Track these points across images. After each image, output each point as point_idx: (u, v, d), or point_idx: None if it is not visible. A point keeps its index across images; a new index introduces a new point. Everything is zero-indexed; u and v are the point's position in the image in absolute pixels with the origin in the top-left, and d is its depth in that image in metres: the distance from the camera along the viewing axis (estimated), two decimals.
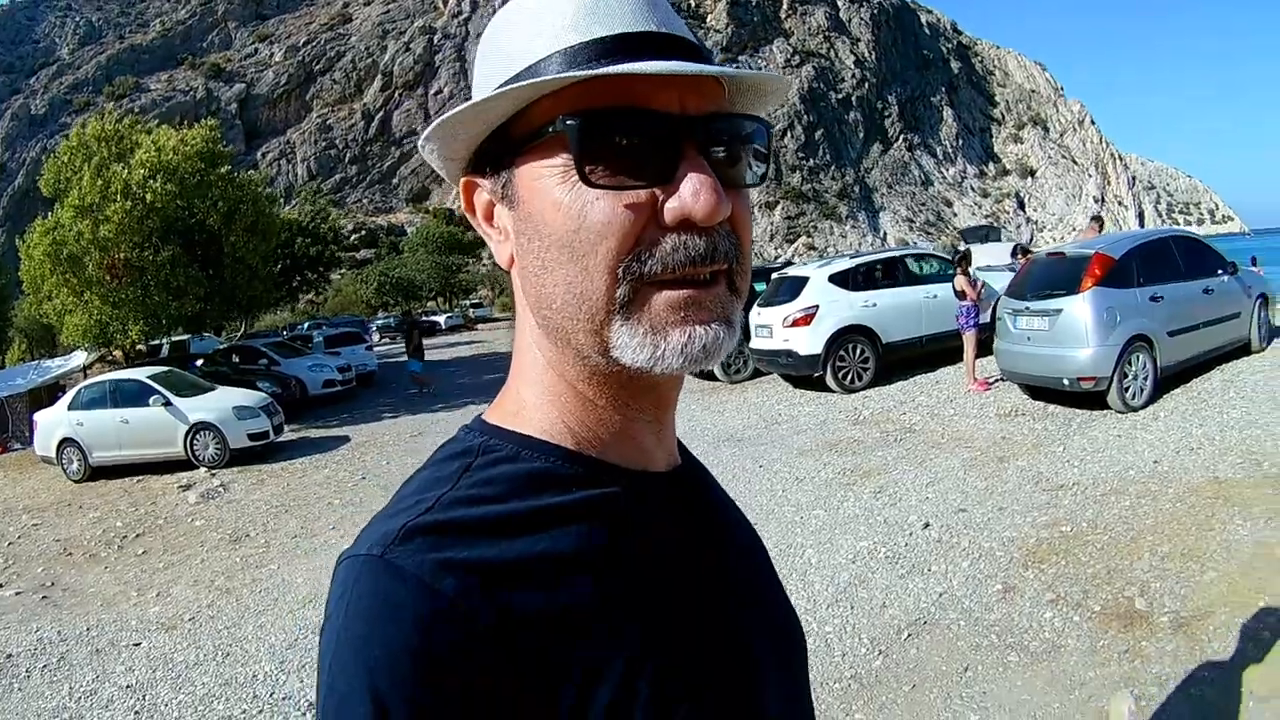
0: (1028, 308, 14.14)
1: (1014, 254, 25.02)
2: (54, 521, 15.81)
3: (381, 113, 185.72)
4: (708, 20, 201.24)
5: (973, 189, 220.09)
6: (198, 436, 19.22)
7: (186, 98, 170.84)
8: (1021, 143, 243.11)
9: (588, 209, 0.97)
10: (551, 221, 1.00)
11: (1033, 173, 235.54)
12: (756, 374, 21.08)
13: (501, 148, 1.05)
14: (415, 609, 0.89)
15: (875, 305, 18.18)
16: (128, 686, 8.08)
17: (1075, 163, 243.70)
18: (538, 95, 0.98)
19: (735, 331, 1.03)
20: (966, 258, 17.77)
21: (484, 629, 0.89)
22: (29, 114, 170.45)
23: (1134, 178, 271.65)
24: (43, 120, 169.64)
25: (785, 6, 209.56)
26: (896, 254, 20.47)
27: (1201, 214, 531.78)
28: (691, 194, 0.94)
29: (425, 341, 31.45)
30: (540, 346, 1.12)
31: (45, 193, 26.26)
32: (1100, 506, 9.41)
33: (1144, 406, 13.11)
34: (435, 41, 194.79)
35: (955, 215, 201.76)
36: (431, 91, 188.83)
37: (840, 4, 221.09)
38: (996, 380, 15.99)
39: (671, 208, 0.95)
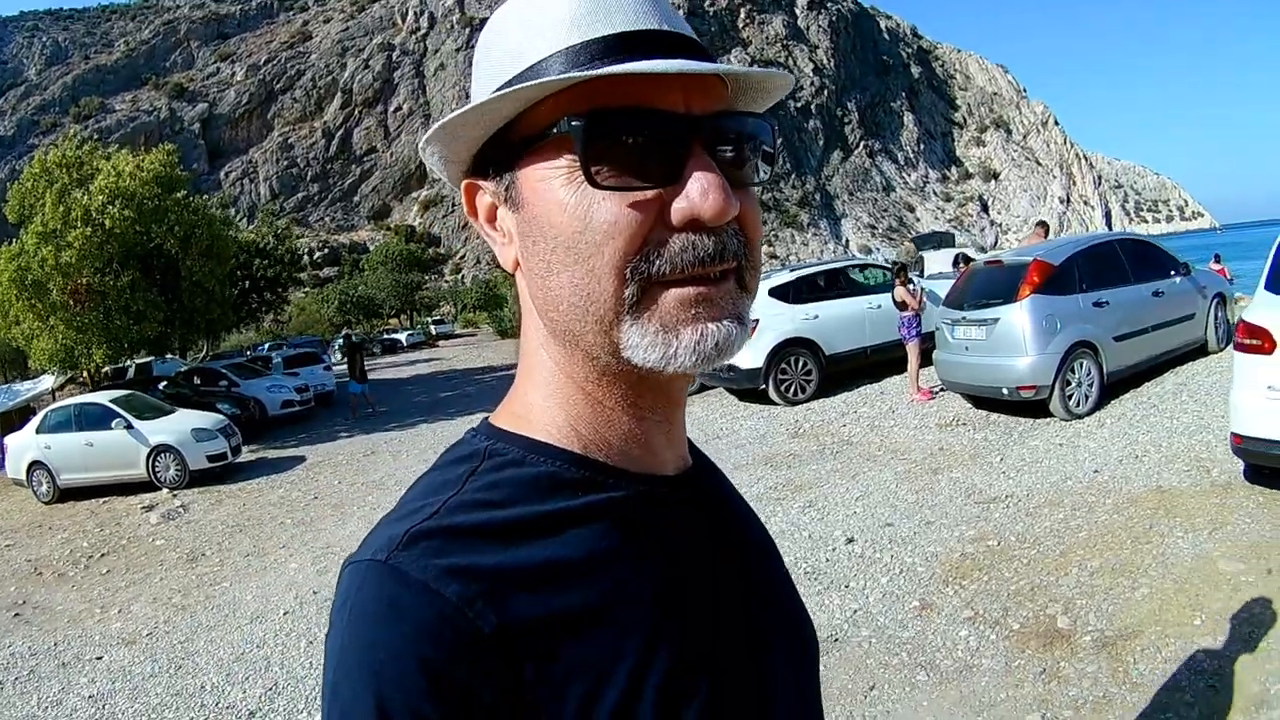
0: (964, 317, 14.10)
1: (955, 263, 24.78)
2: (25, 542, 16.13)
3: (342, 130, 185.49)
4: None
5: (935, 193, 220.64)
6: (159, 458, 19.53)
7: (151, 118, 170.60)
8: (984, 145, 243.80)
9: (593, 210, 0.97)
10: (557, 223, 1.00)
11: (996, 175, 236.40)
12: (703, 388, 20.92)
13: (504, 149, 1.06)
14: (420, 615, 0.90)
15: (817, 317, 18.14)
16: (89, 697, 8.55)
17: (1039, 164, 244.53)
18: (541, 96, 0.99)
19: (746, 328, 1.04)
20: (905, 269, 17.73)
21: (488, 635, 0.91)
22: None
23: (1100, 177, 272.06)
24: (11, 142, 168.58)
25: (743, 15, 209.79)
26: (838, 265, 20.55)
27: (1170, 211, 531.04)
28: (700, 194, 0.95)
29: (388, 359, 31.57)
30: (547, 349, 1.12)
31: (10, 219, 26.46)
32: (1032, 519, 9.30)
33: (1089, 414, 13.07)
34: (394, 59, 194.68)
35: (918, 220, 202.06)
36: (391, 108, 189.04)
37: (798, 12, 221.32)
38: (941, 390, 15.92)
39: (679, 208, 0.96)
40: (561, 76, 0.93)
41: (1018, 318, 12.95)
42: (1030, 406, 13.36)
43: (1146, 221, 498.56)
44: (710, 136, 0.98)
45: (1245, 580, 6.99)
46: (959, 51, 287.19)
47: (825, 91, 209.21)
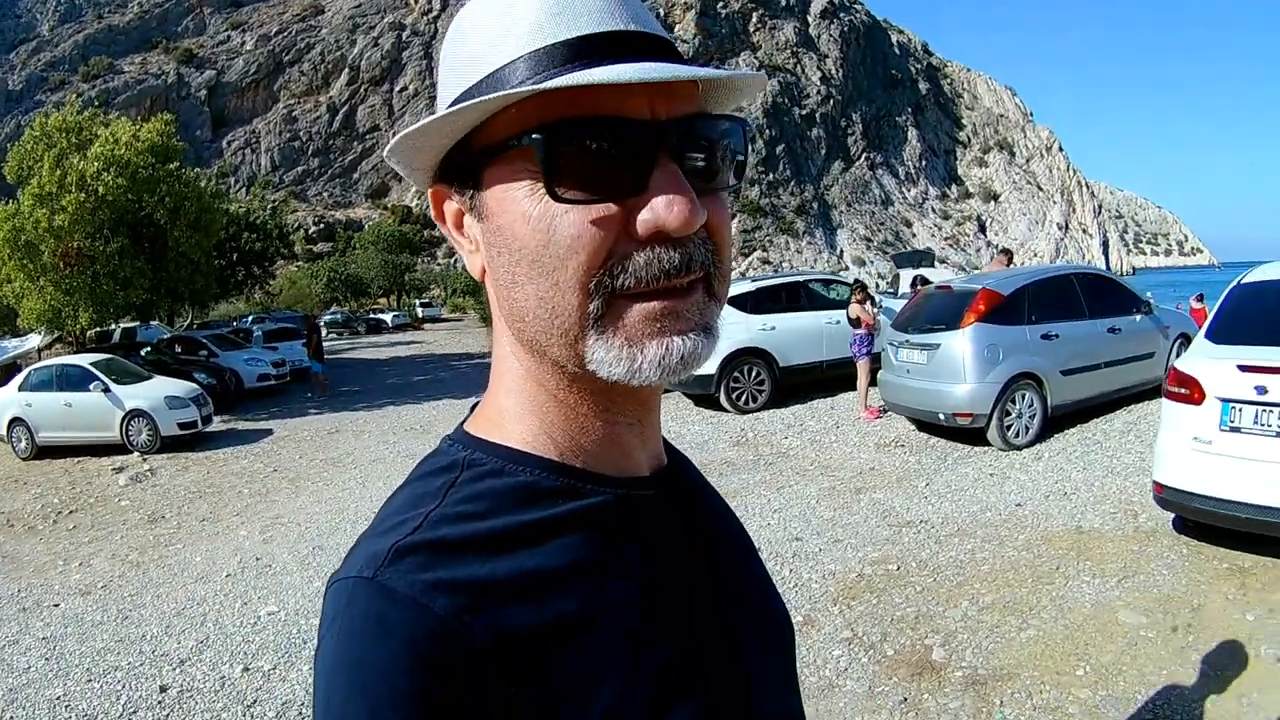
0: (908, 340, 14.22)
1: (913, 285, 24.69)
2: (1, 495, 16.62)
3: (346, 107, 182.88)
4: (676, 30, 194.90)
5: (934, 210, 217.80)
6: (132, 423, 20.07)
7: (158, 82, 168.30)
8: (986, 166, 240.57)
9: (557, 223, 0.96)
10: (521, 235, 0.99)
11: (996, 197, 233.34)
12: (664, 391, 20.32)
13: (468, 158, 1.04)
14: (408, 630, 0.90)
15: (773, 329, 18.33)
16: (43, 639, 9.09)
17: (1040, 189, 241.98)
18: (500, 108, 0.97)
19: (714, 338, 1.03)
20: (864, 286, 17.78)
21: (478, 647, 0.91)
22: (5, 90, 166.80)
23: (1100, 206, 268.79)
24: (19, 97, 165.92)
25: (754, 20, 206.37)
26: (800, 279, 20.53)
27: (1170, 245, 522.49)
28: (665, 206, 0.93)
29: (370, 339, 31.38)
30: (518, 356, 1.11)
31: (9, 179, 26.74)
32: (939, 547, 9.29)
33: (1028, 445, 13.09)
34: (403, 38, 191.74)
35: (914, 236, 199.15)
36: (397, 88, 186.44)
37: (811, 20, 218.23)
38: (889, 409, 15.86)
39: (644, 220, 0.94)
40: (510, 91, 0.93)
41: (959, 345, 13.07)
42: (970, 433, 13.43)
43: (1145, 253, 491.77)
44: (677, 143, 0.98)
45: (1145, 635, 6.91)
46: (968, 71, 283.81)
47: (831, 101, 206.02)
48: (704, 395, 18.66)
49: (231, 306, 69.48)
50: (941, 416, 13.42)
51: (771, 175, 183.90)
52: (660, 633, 1.06)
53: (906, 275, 28.16)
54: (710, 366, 17.29)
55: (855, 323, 16.59)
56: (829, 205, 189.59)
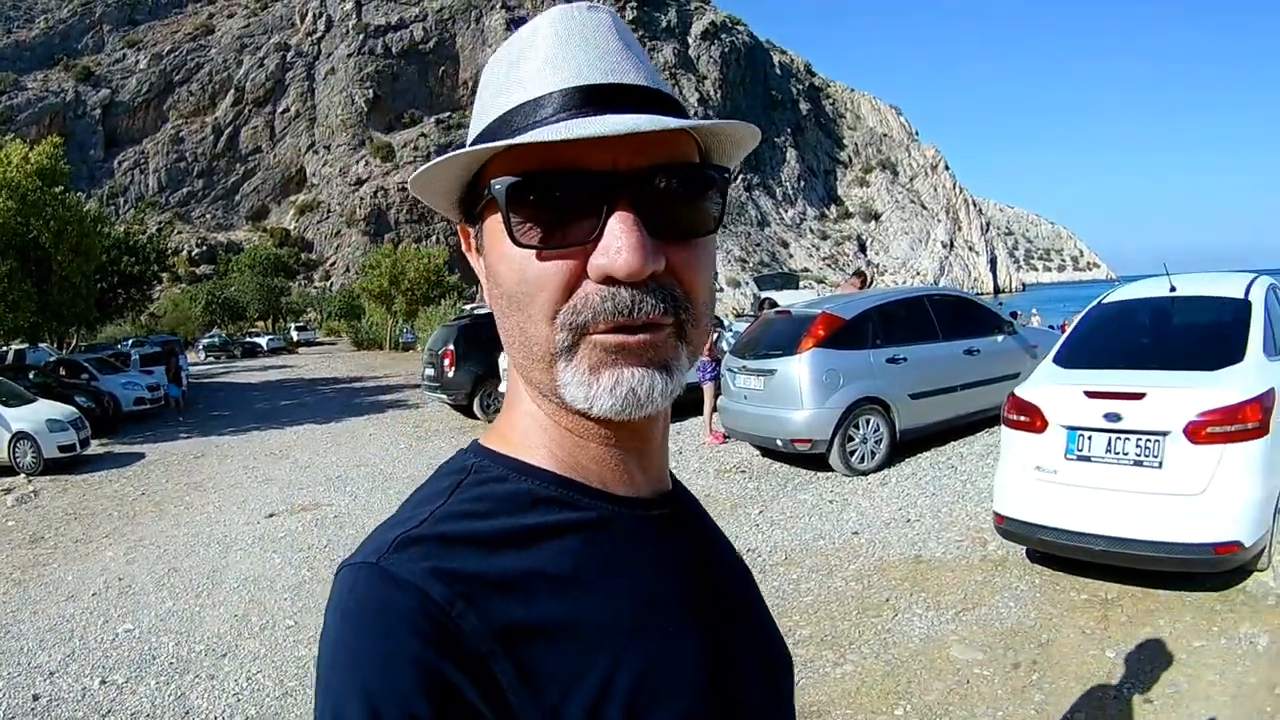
0: (745, 366, 13.97)
1: (761, 306, 24.87)
2: None
3: (231, 128, 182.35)
4: None
5: (812, 230, 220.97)
6: (18, 445, 20.03)
7: (57, 100, 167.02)
8: (868, 186, 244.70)
9: (526, 263, 1.03)
10: (501, 273, 1.07)
11: (877, 216, 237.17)
12: None
13: (471, 201, 1.13)
14: (408, 613, 0.94)
15: None
16: None
17: (925, 207, 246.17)
18: (482, 160, 1.06)
19: (675, 377, 1.07)
20: (717, 323, 17.53)
21: (469, 634, 0.94)
22: None
23: (989, 223, 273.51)
24: None
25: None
26: None
27: (1064, 260, 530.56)
28: (614, 253, 0.98)
29: (245, 363, 31.47)
30: (521, 380, 1.18)
31: None
32: (762, 577, 8.77)
33: (874, 470, 12.79)
34: (288, 59, 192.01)
35: (791, 257, 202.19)
36: (279, 109, 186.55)
37: (691, 41, 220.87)
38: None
39: (595, 265, 1.00)
40: (463, 151, 1.03)
41: (795, 370, 12.82)
42: (814, 459, 13.15)
43: (1037, 270, 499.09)
44: (635, 193, 1.01)
45: (979, 673, 6.57)
46: (852, 91, 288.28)
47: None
48: None
49: (118, 329, 69.51)
50: (780, 442, 13.17)
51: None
52: (643, 646, 1.07)
53: (776, 297, 27.90)
54: None
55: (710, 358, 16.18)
56: None
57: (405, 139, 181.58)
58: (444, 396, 22.37)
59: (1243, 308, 8.25)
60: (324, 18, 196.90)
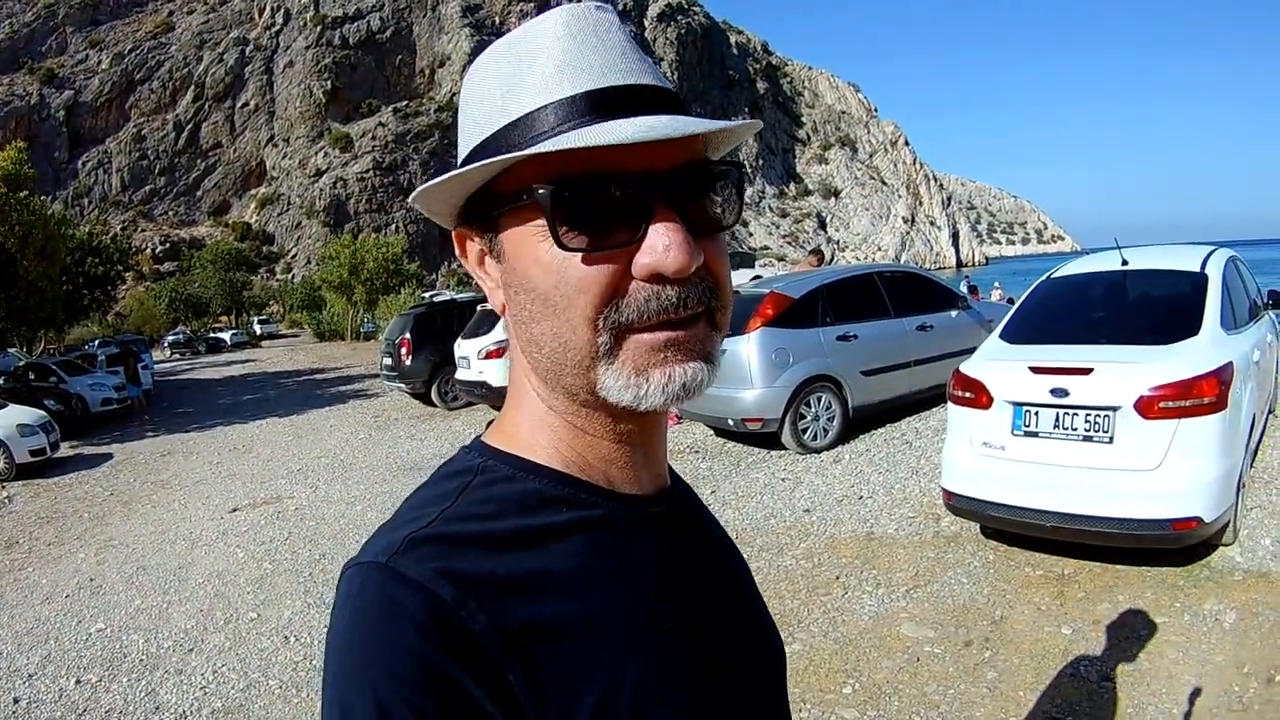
0: None
1: None
2: None
3: (191, 124, 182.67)
4: None
5: (771, 209, 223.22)
6: None
7: (23, 103, 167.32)
8: (827, 163, 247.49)
9: (566, 267, 1.02)
10: (535, 277, 1.06)
11: (836, 193, 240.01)
12: (469, 404, 21.58)
13: (487, 205, 1.11)
14: (417, 612, 0.94)
15: None
16: None
17: (884, 183, 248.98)
18: (508, 165, 1.05)
19: (716, 366, 1.10)
20: None
21: (479, 635, 0.95)
22: None
23: (950, 198, 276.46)
24: None
25: None
26: None
27: (1027, 233, 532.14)
28: (662, 250, 0.99)
29: (209, 359, 31.60)
30: (531, 381, 1.18)
31: None
32: None
33: (827, 448, 12.80)
34: (247, 53, 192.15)
35: (751, 235, 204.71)
36: (239, 104, 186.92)
37: (648, 23, 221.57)
38: None
39: (643, 264, 1.00)
40: (507, 156, 1.01)
41: (745, 350, 12.61)
42: (767, 438, 13.17)
43: (1000, 243, 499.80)
44: (674, 191, 1.03)
45: (930, 650, 6.52)
46: (810, 69, 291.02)
47: None
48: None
49: (85, 330, 69.24)
50: (731, 422, 13.06)
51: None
52: (649, 643, 1.09)
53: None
54: (507, 378, 16.86)
55: None
56: None
57: (363, 129, 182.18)
58: (402, 385, 22.57)
59: (1199, 281, 8.20)
60: (282, 10, 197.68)
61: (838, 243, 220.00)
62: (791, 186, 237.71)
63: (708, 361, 1.08)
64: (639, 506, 1.19)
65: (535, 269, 1.05)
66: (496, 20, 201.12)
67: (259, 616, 8.88)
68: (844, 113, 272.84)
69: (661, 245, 1.00)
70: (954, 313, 14.64)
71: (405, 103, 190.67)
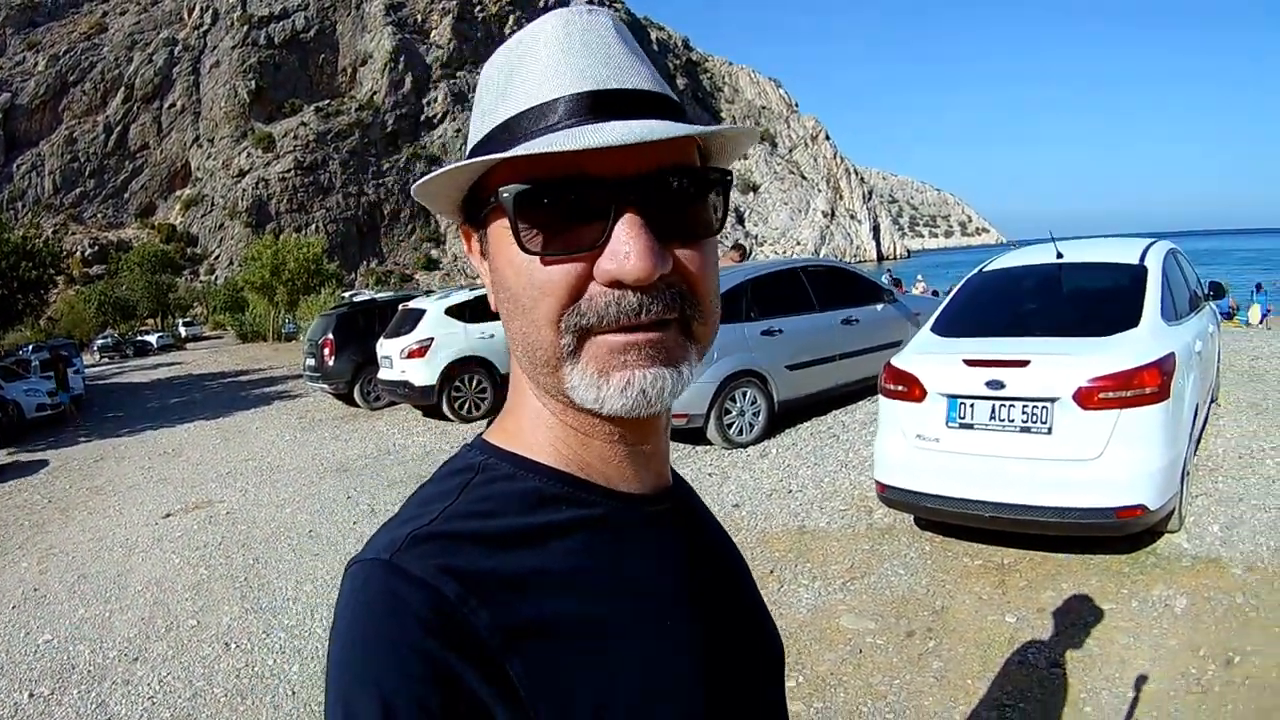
0: None
1: None
2: None
3: (121, 125, 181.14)
4: (432, 36, 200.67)
5: None
6: None
7: None
8: (745, 158, 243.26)
9: (532, 268, 1.04)
10: (508, 277, 1.08)
11: (755, 188, 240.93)
12: (391, 403, 21.54)
13: (476, 205, 1.13)
14: (420, 608, 0.95)
15: (492, 336, 18.50)
16: None
17: (804, 178, 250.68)
18: (485, 170, 1.08)
19: (684, 374, 1.08)
20: None
21: (481, 632, 0.95)
22: None
23: (871, 191, 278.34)
24: None
25: (511, 23, 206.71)
26: None
27: (951, 226, 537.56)
28: (622, 258, 0.99)
29: (136, 362, 31.48)
30: (526, 379, 1.18)
31: None
32: None
33: (753, 442, 12.91)
34: (175, 54, 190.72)
35: None
36: (166, 104, 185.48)
37: None
38: None
39: (603, 269, 1.01)
40: (468, 162, 1.05)
41: None
42: (692, 433, 13.08)
43: (923, 236, 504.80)
44: (642, 197, 1.02)
45: (872, 642, 6.54)
46: (730, 65, 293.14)
47: None
48: (431, 406, 18.82)
49: (20, 335, 68.78)
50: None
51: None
52: (649, 639, 1.10)
53: None
54: (431, 377, 18.05)
55: None
56: None
57: (286, 128, 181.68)
58: (325, 386, 22.51)
59: (1138, 273, 8.25)
60: (210, 10, 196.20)
61: (756, 237, 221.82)
62: None
63: (674, 369, 1.07)
64: (638, 505, 1.20)
65: (509, 269, 1.08)
66: (419, 19, 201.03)
67: (199, 624, 8.78)
68: (764, 108, 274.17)
69: (622, 251, 1.00)
70: (880, 306, 14.77)
71: (327, 102, 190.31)
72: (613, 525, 1.15)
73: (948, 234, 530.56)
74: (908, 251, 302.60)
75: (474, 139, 1.12)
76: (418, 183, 1.10)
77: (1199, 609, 6.42)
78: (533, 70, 1.06)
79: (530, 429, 1.18)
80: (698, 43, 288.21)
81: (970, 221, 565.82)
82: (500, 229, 1.08)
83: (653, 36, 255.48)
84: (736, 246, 18.51)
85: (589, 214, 1.01)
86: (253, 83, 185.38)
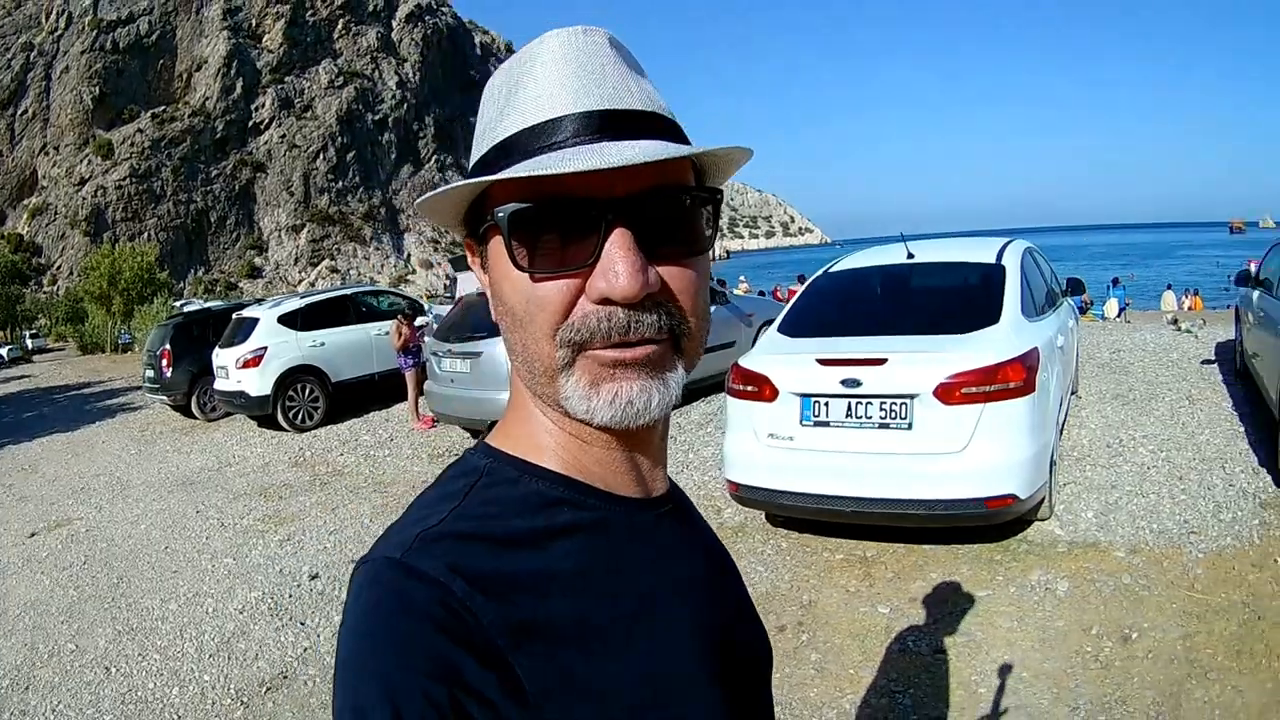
0: (450, 350, 14.08)
1: (451, 291, 25.36)
2: None
3: None
4: (264, 41, 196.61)
5: None
6: None
7: None
8: None
9: (528, 285, 1.07)
10: (506, 292, 1.11)
11: None
12: (227, 414, 20.82)
13: (478, 221, 1.15)
14: (429, 605, 0.96)
15: (324, 344, 18.65)
16: None
17: None
18: (481, 189, 1.11)
19: (671, 388, 1.11)
20: (416, 310, 18.85)
21: (490, 629, 0.97)
22: None
23: None
24: None
25: (340, 26, 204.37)
26: (347, 292, 20.84)
27: (773, 227, 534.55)
28: (611, 277, 1.01)
29: None
30: (526, 387, 1.20)
31: None
32: None
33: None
34: (31, 59, 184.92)
35: None
36: (19, 111, 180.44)
37: (395, 24, 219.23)
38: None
39: (594, 287, 1.03)
40: (464, 183, 1.08)
41: (500, 352, 11.44)
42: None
43: (743, 237, 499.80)
44: (632, 216, 1.04)
45: None
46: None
47: (405, 105, 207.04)
48: (266, 416, 18.60)
49: None
50: (489, 424, 12.07)
51: (341, 183, 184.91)
52: (647, 640, 1.12)
53: (464, 279, 27.86)
54: (265, 386, 17.84)
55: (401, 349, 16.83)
56: (397, 210, 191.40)
57: (124, 135, 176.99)
58: (164, 397, 21.98)
59: (996, 272, 8.41)
60: (65, 14, 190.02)
61: None
62: None
63: (661, 383, 1.10)
64: (637, 509, 1.22)
65: (506, 284, 1.11)
66: (253, 23, 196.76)
67: (77, 648, 8.55)
68: None
69: (612, 270, 1.02)
70: (712, 307, 14.54)
71: (163, 108, 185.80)
72: (612, 528, 1.17)
73: (769, 234, 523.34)
74: (727, 252, 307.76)
75: (475, 157, 1.15)
76: (420, 199, 1.13)
77: (1084, 591, 6.61)
78: (530, 90, 1.09)
79: (531, 434, 1.21)
80: (518, 46, 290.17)
81: (793, 222, 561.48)
82: (498, 245, 1.10)
83: (476, 40, 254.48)
84: None
85: (581, 233, 1.04)
86: (97, 89, 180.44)
